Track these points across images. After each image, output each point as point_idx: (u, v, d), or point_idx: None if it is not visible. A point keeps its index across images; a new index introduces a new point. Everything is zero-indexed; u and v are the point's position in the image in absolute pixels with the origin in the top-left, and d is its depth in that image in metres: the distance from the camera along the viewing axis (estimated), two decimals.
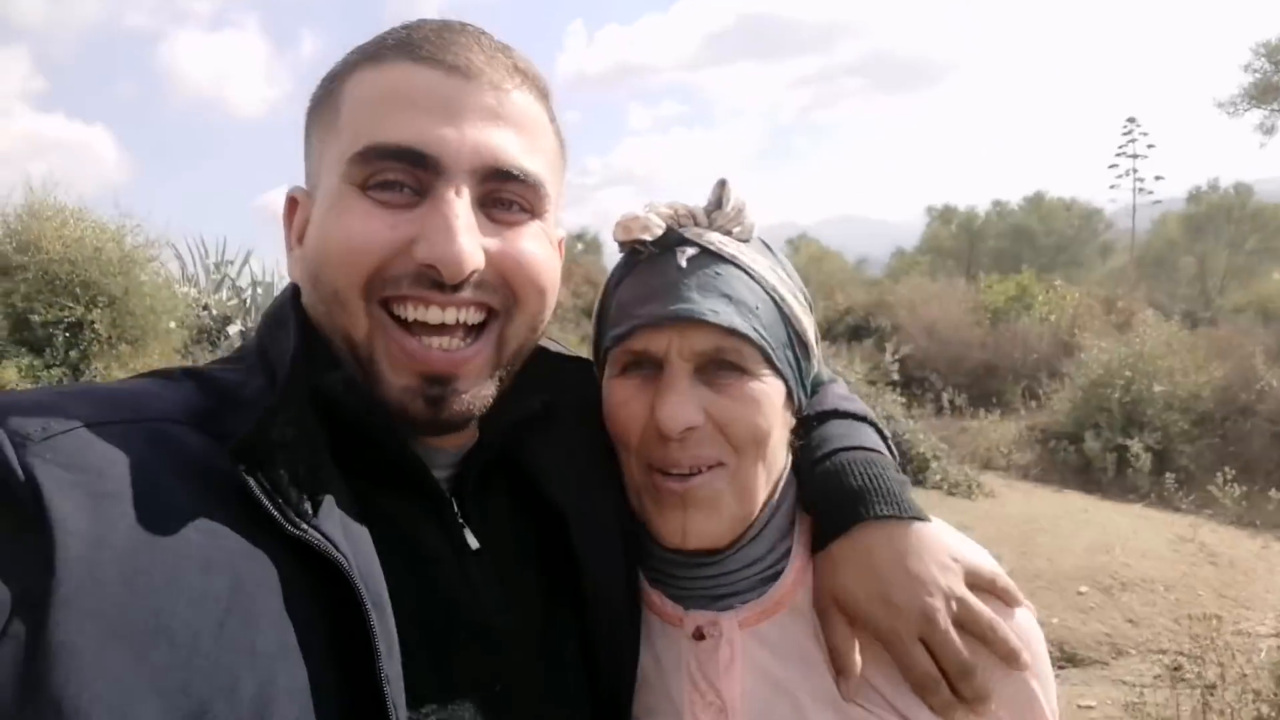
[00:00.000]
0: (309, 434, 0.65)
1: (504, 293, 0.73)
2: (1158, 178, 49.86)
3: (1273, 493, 7.69)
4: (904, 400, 10.27)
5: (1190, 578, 6.63)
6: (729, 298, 0.87)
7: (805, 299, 0.96)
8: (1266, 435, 9.90)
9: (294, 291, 0.75)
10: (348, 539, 0.63)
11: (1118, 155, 50.17)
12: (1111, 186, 50.17)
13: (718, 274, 0.88)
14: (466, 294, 0.70)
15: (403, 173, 0.68)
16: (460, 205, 0.68)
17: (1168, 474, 8.98)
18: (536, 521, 0.83)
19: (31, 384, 6.49)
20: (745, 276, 0.89)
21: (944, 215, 39.07)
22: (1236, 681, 3.23)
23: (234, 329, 13.59)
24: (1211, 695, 3.15)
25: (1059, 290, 15.87)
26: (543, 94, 0.77)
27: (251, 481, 0.60)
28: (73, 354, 7.21)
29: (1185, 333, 12.08)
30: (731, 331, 0.85)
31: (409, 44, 0.71)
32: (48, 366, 7.02)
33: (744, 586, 0.91)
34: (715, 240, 0.90)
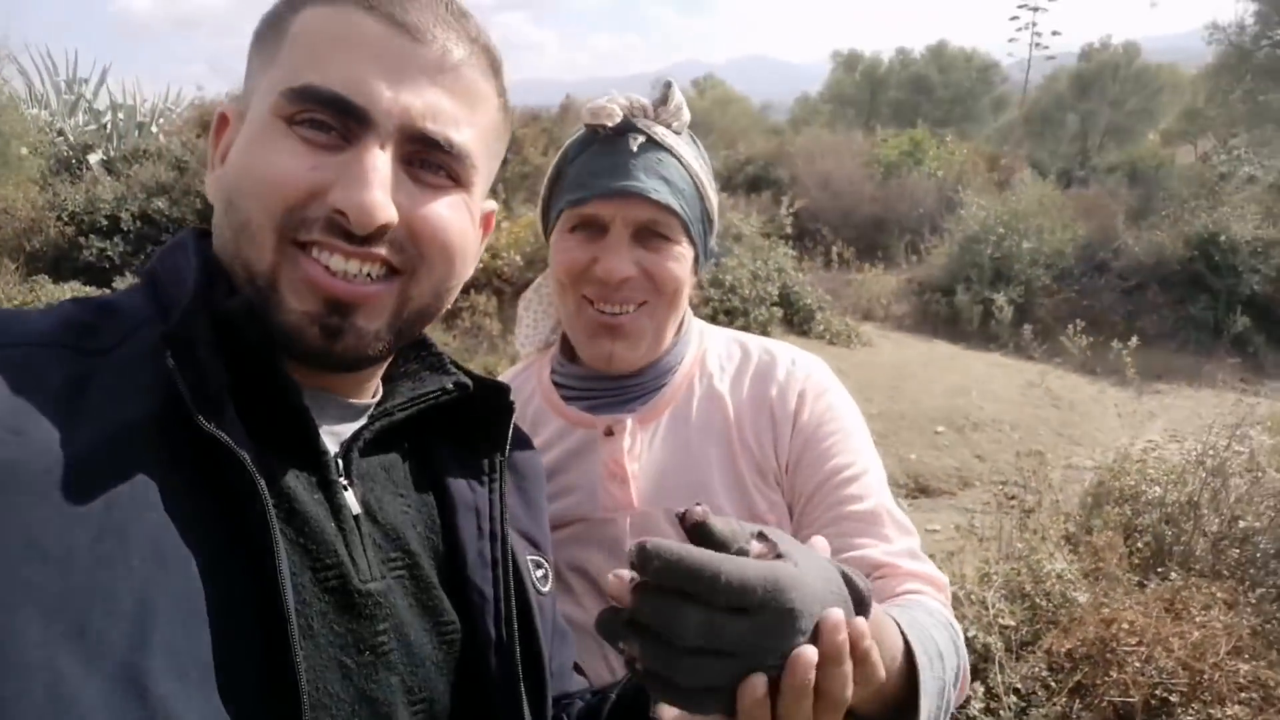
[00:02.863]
0: (211, 354, 0.65)
1: (411, 252, 0.72)
2: (1055, 33, 50.26)
3: (1115, 343, 8.49)
4: (796, 254, 10.58)
5: (1034, 418, 7.42)
6: (665, 180, 1.09)
7: (714, 184, 1.20)
8: (1117, 291, 10.77)
9: (196, 232, 0.76)
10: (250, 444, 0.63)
11: (1020, 7, 50.24)
12: (1010, 40, 50.44)
13: (659, 160, 1.09)
14: (375, 249, 0.69)
15: (331, 118, 0.68)
16: (381, 159, 0.68)
17: (1026, 325, 9.72)
18: (419, 496, 0.80)
19: None
20: (678, 163, 1.11)
21: (849, 61, 38.62)
22: (1050, 505, 3.78)
23: (95, 158, 12.44)
24: (1029, 517, 3.68)
25: (949, 146, 16.27)
26: (493, 68, 0.77)
27: (174, 366, 0.61)
28: None
29: (1058, 192, 12.70)
30: (665, 207, 1.08)
31: None
32: None
33: (639, 394, 1.18)
34: (659, 132, 1.11)
